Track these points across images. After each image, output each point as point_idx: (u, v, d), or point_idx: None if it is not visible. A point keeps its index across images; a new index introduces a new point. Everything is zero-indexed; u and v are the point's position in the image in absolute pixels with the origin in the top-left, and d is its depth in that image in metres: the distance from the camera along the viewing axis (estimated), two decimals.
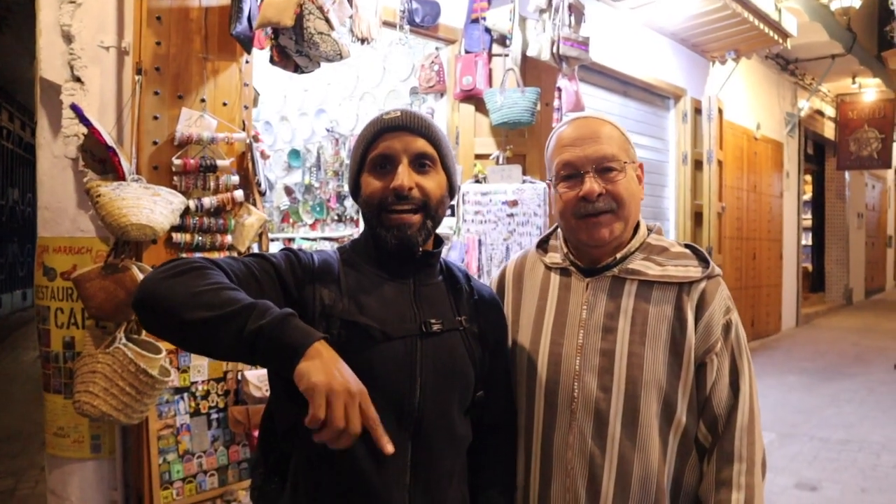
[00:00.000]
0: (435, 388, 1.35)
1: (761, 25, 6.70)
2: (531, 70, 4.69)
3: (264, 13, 2.98)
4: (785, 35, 7.23)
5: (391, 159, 1.36)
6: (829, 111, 13.31)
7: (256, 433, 1.49)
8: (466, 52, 4.62)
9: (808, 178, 13.90)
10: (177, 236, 3.01)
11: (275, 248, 4.75)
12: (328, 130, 5.69)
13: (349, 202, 5.55)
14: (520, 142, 4.68)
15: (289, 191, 6.00)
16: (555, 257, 1.59)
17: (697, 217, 7.31)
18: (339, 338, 1.29)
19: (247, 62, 3.32)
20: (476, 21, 4.58)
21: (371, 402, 1.09)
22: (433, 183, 1.38)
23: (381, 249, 1.40)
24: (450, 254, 4.35)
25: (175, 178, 3.02)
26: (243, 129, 3.28)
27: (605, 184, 1.46)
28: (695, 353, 1.44)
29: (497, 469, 1.52)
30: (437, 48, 4.80)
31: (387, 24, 4.05)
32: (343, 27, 3.41)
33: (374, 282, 1.38)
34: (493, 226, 4.43)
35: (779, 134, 10.74)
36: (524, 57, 4.64)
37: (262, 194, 3.39)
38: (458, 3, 4.63)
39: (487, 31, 4.59)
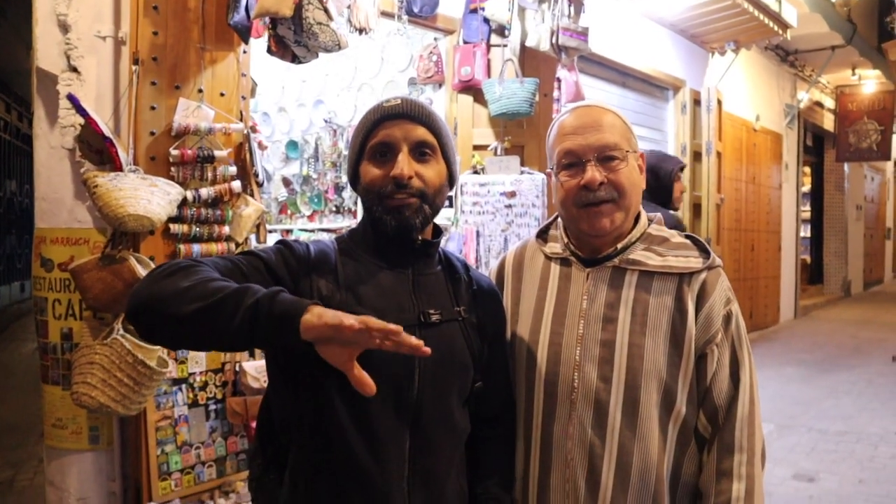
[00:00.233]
0: (434, 378, 1.35)
1: (761, 16, 6.68)
2: (530, 60, 4.67)
3: (262, 3, 2.96)
4: (785, 26, 7.20)
5: (391, 147, 1.35)
6: (829, 103, 13.29)
7: (254, 424, 1.49)
8: (465, 42, 4.60)
9: (808, 169, 13.90)
10: (174, 227, 2.99)
11: (273, 239, 4.74)
12: (326, 121, 5.68)
13: (347, 193, 5.54)
14: (518, 133, 4.67)
15: (287, 182, 5.99)
16: (555, 247, 1.59)
17: (696, 208, 7.30)
18: None
19: (244, 52, 3.30)
20: (475, 11, 4.56)
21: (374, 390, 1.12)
22: (433, 172, 1.37)
23: (380, 238, 1.39)
24: (448, 245, 4.34)
25: (172, 168, 3.01)
26: (241, 120, 3.26)
27: (607, 173, 1.45)
28: (695, 343, 1.43)
29: (496, 460, 1.52)
30: (435, 38, 4.78)
31: (385, 14, 4.03)
32: (341, 17, 3.39)
33: (372, 271, 1.37)
34: (491, 217, 4.42)
35: (778, 125, 10.73)
36: (523, 47, 4.62)
37: (260, 185, 3.38)
38: None
39: (486, 21, 4.56)
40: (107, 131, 2.78)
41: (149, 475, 2.95)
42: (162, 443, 3.01)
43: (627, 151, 1.48)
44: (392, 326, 1.08)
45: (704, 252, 1.50)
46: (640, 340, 1.43)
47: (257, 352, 3.33)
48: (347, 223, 5.40)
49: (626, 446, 1.42)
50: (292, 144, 6.00)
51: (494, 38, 4.63)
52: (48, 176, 3.05)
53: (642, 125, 6.75)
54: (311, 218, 5.85)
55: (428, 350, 1.11)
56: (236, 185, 3.15)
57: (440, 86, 4.82)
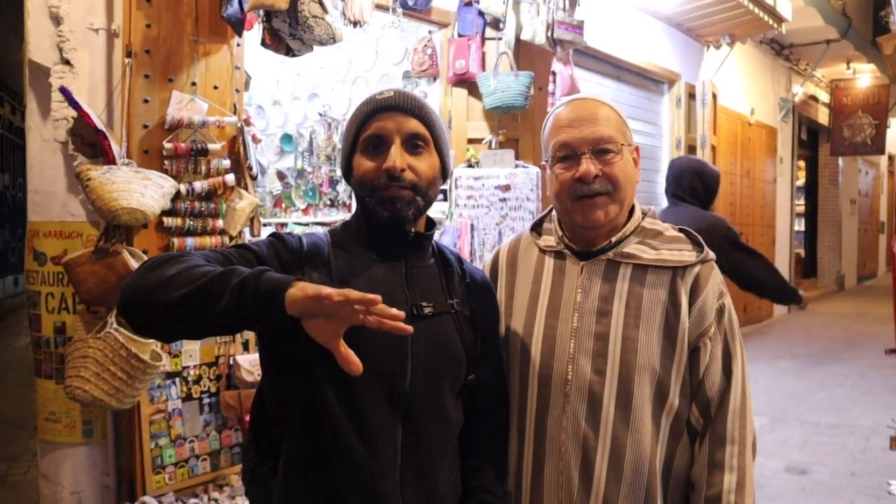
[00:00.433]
0: (426, 371, 1.35)
1: (756, 10, 6.68)
2: (525, 54, 4.66)
3: None
4: (780, 20, 7.21)
5: (384, 140, 1.35)
6: (824, 97, 13.31)
7: (248, 418, 1.49)
8: (460, 35, 4.59)
9: (802, 163, 13.92)
10: (168, 220, 2.99)
11: (267, 232, 4.74)
12: (321, 115, 5.66)
13: (342, 187, 5.53)
14: (513, 126, 4.66)
15: (281, 175, 5.97)
16: (549, 240, 1.59)
17: None
18: None
19: (238, 45, 3.29)
20: (469, 4, 4.55)
21: (352, 383, 1.12)
22: (426, 164, 1.37)
23: (373, 230, 1.39)
24: (442, 238, 4.34)
25: (166, 161, 3.00)
26: (235, 113, 3.25)
27: (602, 166, 1.45)
28: (688, 336, 1.44)
29: (489, 453, 1.52)
30: (430, 32, 4.76)
31: (379, 7, 4.01)
32: (335, 10, 3.38)
33: (364, 264, 1.37)
34: (485, 210, 4.42)
35: (773, 119, 10.74)
36: (518, 40, 4.61)
37: (254, 178, 3.37)
38: None
39: (481, 14, 4.55)
40: (100, 124, 2.77)
41: (143, 469, 2.96)
42: (156, 436, 3.01)
43: (622, 145, 1.48)
44: (371, 296, 1.07)
45: (698, 246, 1.51)
46: (634, 333, 1.43)
47: (251, 345, 3.33)
48: (342, 217, 5.40)
49: (619, 439, 1.42)
50: (287, 138, 5.98)
51: (489, 32, 4.62)
52: (41, 169, 3.03)
53: (637, 119, 6.76)
54: (305, 211, 5.84)
55: (409, 328, 1.12)
56: (230, 178, 3.14)
57: (435, 79, 4.81)
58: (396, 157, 1.33)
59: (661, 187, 7.24)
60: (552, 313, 1.51)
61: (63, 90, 2.81)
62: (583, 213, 1.47)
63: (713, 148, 7.50)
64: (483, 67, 4.55)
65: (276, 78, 6.03)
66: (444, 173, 1.43)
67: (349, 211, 5.40)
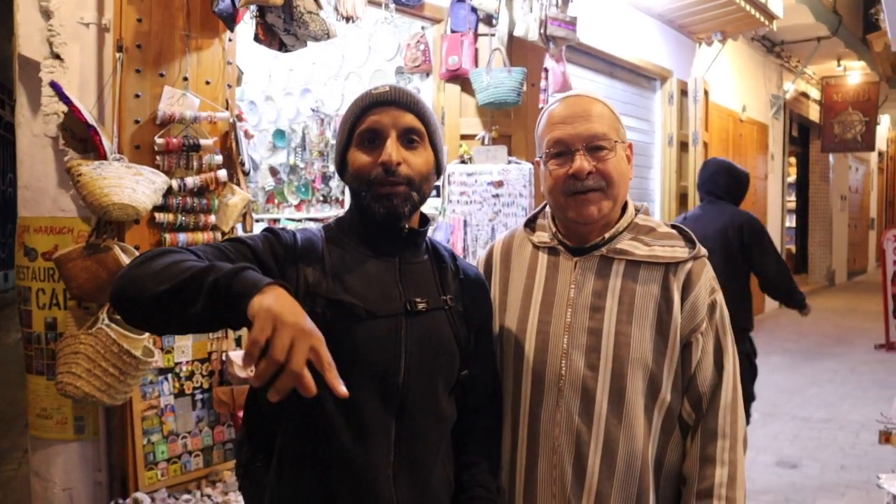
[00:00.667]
0: (420, 366, 1.35)
1: (747, 7, 6.70)
2: (518, 50, 4.66)
3: None
4: (771, 17, 7.23)
5: (379, 134, 1.35)
6: (815, 94, 13.37)
7: (241, 414, 1.49)
8: (452, 31, 4.58)
9: (793, 160, 13.98)
10: (159, 216, 2.97)
11: (259, 228, 4.73)
12: (313, 110, 5.64)
13: (334, 183, 5.52)
14: (506, 122, 4.66)
15: (274, 171, 5.96)
16: (543, 236, 1.59)
17: (683, 198, 7.34)
18: (324, 316, 1.28)
19: (230, 40, 3.28)
20: (462, 0, 4.54)
21: (346, 378, 1.05)
22: (420, 159, 1.37)
23: (368, 226, 1.39)
24: (435, 234, 4.34)
25: (157, 157, 2.98)
26: (227, 108, 3.24)
27: (595, 162, 1.46)
28: (680, 332, 1.45)
29: (482, 448, 1.52)
30: (422, 27, 4.76)
31: (372, 2, 4.00)
32: (328, 5, 3.37)
33: (358, 260, 1.37)
34: (478, 206, 4.42)
35: (764, 116, 10.78)
36: (511, 37, 4.61)
37: (246, 174, 3.36)
38: None
39: (473, 10, 4.55)
40: (90, 119, 2.75)
41: (135, 465, 2.95)
42: (148, 432, 3.00)
43: (616, 142, 1.49)
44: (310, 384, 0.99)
45: (690, 242, 1.52)
46: (627, 329, 1.44)
47: (244, 341, 3.33)
48: (335, 213, 5.38)
49: (612, 433, 1.43)
50: (279, 133, 5.96)
51: (482, 28, 4.62)
52: (31, 164, 3.02)
53: (630, 115, 6.77)
54: (298, 207, 5.83)
55: (344, 392, 1.02)
56: (222, 173, 3.13)
57: (427, 75, 4.80)
58: (392, 150, 1.33)
59: (653, 183, 7.30)
60: (546, 309, 1.51)
61: (53, 85, 2.80)
62: (576, 208, 1.48)
63: (705, 144, 7.53)
64: (476, 63, 4.55)
65: (268, 73, 6.01)
66: (438, 169, 1.44)
67: (342, 207, 5.39)
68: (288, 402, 1.31)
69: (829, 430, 5.29)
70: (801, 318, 4.19)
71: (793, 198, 14.40)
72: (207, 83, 3.19)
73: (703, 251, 1.51)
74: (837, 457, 4.72)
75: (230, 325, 1.13)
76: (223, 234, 3.18)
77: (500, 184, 4.40)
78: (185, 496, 3.00)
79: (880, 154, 19.31)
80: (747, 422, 3.65)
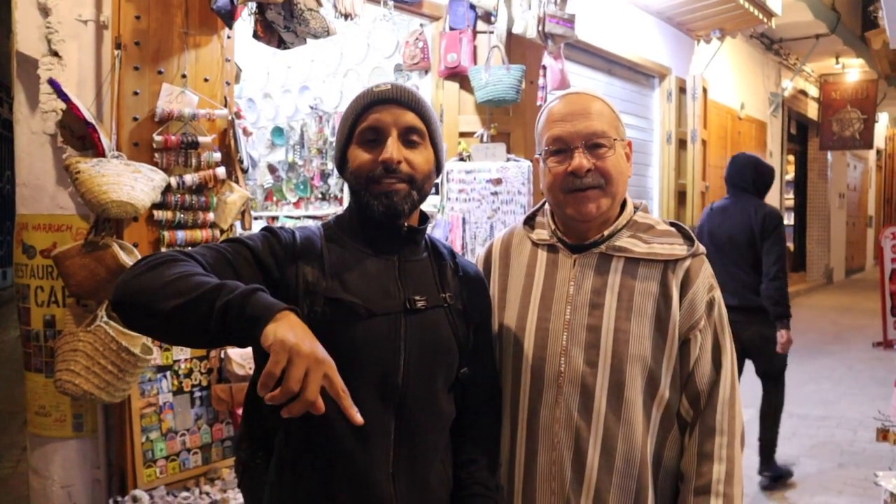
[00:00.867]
0: (419, 364, 1.35)
1: (746, 4, 6.70)
2: (516, 47, 4.66)
3: None
4: (770, 14, 7.23)
5: (380, 132, 1.35)
6: (813, 91, 13.38)
7: (240, 411, 1.49)
8: (451, 28, 4.57)
9: (791, 157, 14.00)
10: (158, 214, 2.97)
11: (258, 226, 4.72)
12: (312, 108, 5.64)
13: (333, 180, 5.51)
14: (504, 120, 4.66)
15: (272, 169, 5.95)
16: (542, 234, 1.60)
17: (681, 196, 7.34)
18: (323, 315, 1.28)
19: (228, 37, 3.27)
20: None
21: (345, 377, 1.07)
22: (421, 158, 1.37)
23: (367, 224, 1.39)
24: (434, 232, 4.34)
25: (156, 154, 2.98)
26: (225, 106, 3.24)
27: (594, 160, 1.47)
28: (679, 329, 1.46)
29: (481, 446, 1.53)
30: (421, 25, 4.75)
31: None
32: (327, 3, 3.37)
33: (358, 258, 1.37)
34: (477, 204, 4.42)
35: (762, 114, 10.79)
36: (509, 34, 4.60)
37: (245, 171, 3.36)
38: None
39: (472, 7, 4.54)
40: (89, 117, 2.75)
41: (133, 462, 2.95)
42: (147, 430, 3.00)
43: (615, 139, 1.50)
44: (317, 404, 1.02)
45: (689, 240, 1.52)
46: (626, 326, 1.45)
47: None
48: (333, 210, 5.38)
49: (611, 430, 1.44)
50: (278, 131, 5.96)
51: (481, 25, 4.61)
52: (30, 162, 3.01)
53: (628, 113, 6.76)
54: (296, 205, 5.82)
55: (359, 420, 1.06)
56: (221, 171, 3.13)
57: (426, 72, 4.79)
58: (393, 149, 1.33)
59: (651, 181, 7.30)
60: (545, 306, 1.52)
61: (52, 82, 2.79)
62: (575, 205, 1.48)
63: (703, 142, 7.52)
64: (475, 61, 4.55)
65: (266, 71, 6.00)
66: (438, 167, 1.44)
67: (340, 204, 5.39)
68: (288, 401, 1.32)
69: (826, 428, 5.30)
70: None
71: (791, 195, 14.42)
72: (206, 80, 3.18)
73: (702, 249, 1.52)
74: (835, 454, 4.73)
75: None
76: (222, 231, 3.18)
77: (498, 181, 4.40)
78: (184, 494, 3.01)
79: (878, 152, 19.33)
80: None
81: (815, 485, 4.22)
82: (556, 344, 1.48)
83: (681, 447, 1.50)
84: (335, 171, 5.36)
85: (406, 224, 1.39)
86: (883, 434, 3.23)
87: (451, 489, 1.46)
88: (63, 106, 2.76)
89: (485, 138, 4.59)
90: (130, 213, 2.72)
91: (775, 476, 4.21)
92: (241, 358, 3.18)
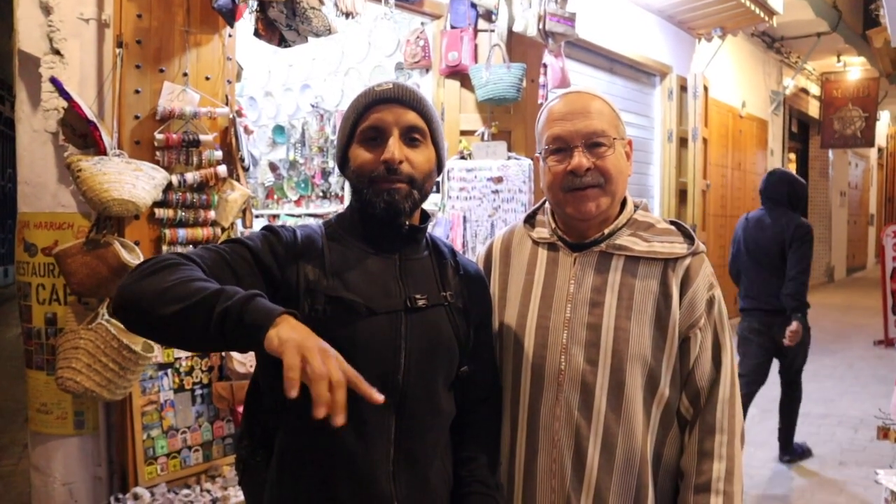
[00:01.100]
0: (420, 363, 1.35)
1: (747, 2, 6.69)
2: (517, 46, 4.66)
3: None
4: (771, 12, 7.22)
5: (382, 132, 1.35)
6: (814, 89, 13.36)
7: (241, 409, 1.50)
8: (452, 27, 4.58)
9: (793, 156, 13.98)
10: (159, 212, 2.98)
11: (259, 224, 4.73)
12: (313, 106, 5.64)
13: (334, 178, 5.52)
14: (505, 118, 4.66)
15: (273, 167, 5.96)
16: (542, 232, 1.60)
17: (682, 194, 7.34)
18: (324, 313, 1.29)
19: (230, 36, 3.28)
20: None
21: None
22: (422, 157, 1.37)
23: (368, 222, 1.39)
24: (435, 230, 4.34)
25: (157, 153, 2.99)
26: (226, 104, 3.24)
27: (594, 159, 1.47)
28: (679, 327, 1.46)
29: (481, 444, 1.53)
30: (422, 23, 4.75)
31: None
32: (329, 1, 3.37)
33: (359, 256, 1.38)
34: (478, 202, 4.42)
35: (764, 112, 10.77)
36: (510, 32, 4.60)
37: (246, 170, 3.36)
38: None
39: (473, 6, 4.54)
40: (90, 115, 2.75)
41: (135, 460, 2.96)
42: (148, 427, 3.01)
43: (614, 138, 1.50)
44: (334, 375, 1.02)
45: (689, 238, 1.52)
46: (626, 324, 1.45)
47: None
48: (334, 208, 5.38)
49: (611, 428, 1.44)
50: (279, 129, 5.96)
51: (482, 23, 4.61)
52: (31, 160, 3.02)
53: (629, 111, 6.76)
54: (297, 203, 5.83)
55: (380, 398, 1.07)
56: (222, 169, 3.13)
57: (427, 71, 4.80)
58: (395, 149, 1.33)
59: (652, 179, 7.31)
60: (545, 304, 1.52)
61: (53, 80, 2.80)
62: (574, 204, 1.48)
63: (704, 140, 7.52)
64: (475, 59, 4.55)
65: (268, 69, 6.01)
66: (440, 166, 1.44)
67: (342, 202, 5.39)
68: (288, 398, 1.32)
69: (827, 426, 5.30)
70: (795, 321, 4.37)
71: None
72: (207, 79, 3.19)
73: (702, 247, 1.52)
74: (836, 453, 4.74)
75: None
76: (223, 229, 3.18)
77: (499, 180, 4.40)
78: (185, 491, 3.01)
79: (880, 150, 19.31)
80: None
81: (816, 483, 4.23)
82: (557, 342, 1.48)
83: (681, 445, 1.51)
84: (336, 170, 5.37)
85: (407, 223, 1.39)
86: (884, 432, 3.24)
87: (452, 487, 1.46)
88: (65, 104, 2.76)
89: (486, 137, 4.59)
90: (132, 211, 2.72)
91: (796, 456, 4.58)
92: (241, 356, 3.19)
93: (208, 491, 3.04)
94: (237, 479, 1.46)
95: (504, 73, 4.39)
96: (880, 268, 8.23)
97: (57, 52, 2.93)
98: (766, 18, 7.22)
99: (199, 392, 3.19)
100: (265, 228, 1.38)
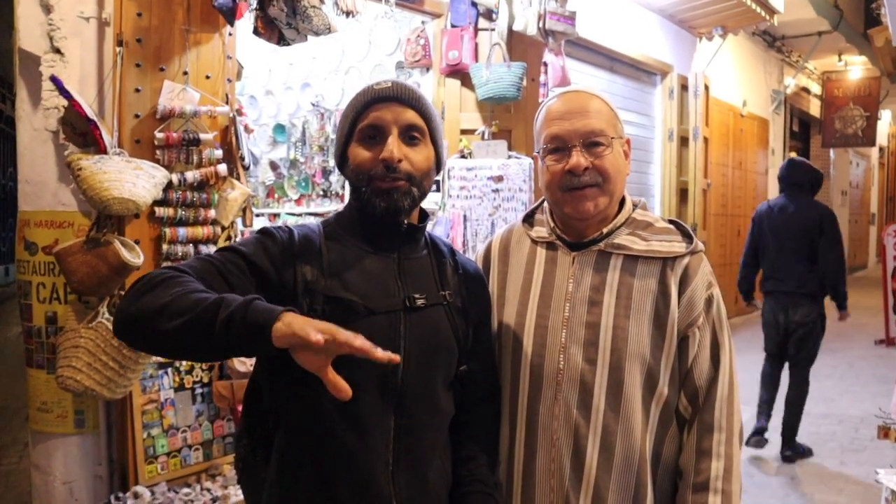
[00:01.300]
0: (419, 362, 1.35)
1: (748, 1, 6.69)
2: (517, 45, 4.65)
3: None
4: (772, 11, 7.22)
5: (381, 130, 1.35)
6: (815, 89, 13.35)
7: (241, 408, 1.50)
8: (452, 26, 4.58)
9: (794, 155, 13.97)
10: (159, 210, 2.98)
11: (260, 223, 4.73)
12: (313, 105, 5.64)
13: (335, 177, 5.52)
14: (505, 117, 4.66)
15: (274, 166, 5.96)
16: (541, 231, 1.60)
17: (683, 193, 7.34)
18: (323, 313, 1.29)
19: (230, 35, 3.28)
20: None
21: (345, 374, 1.11)
22: (421, 156, 1.37)
23: (367, 222, 1.39)
24: (435, 229, 4.34)
25: (157, 151, 2.99)
26: (227, 103, 3.24)
27: (592, 158, 1.47)
28: (677, 326, 1.46)
29: (480, 443, 1.53)
30: (422, 22, 4.75)
31: None
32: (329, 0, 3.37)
33: (357, 256, 1.37)
34: (478, 201, 4.42)
35: (765, 111, 10.77)
36: (510, 31, 4.60)
37: (246, 169, 3.36)
38: None
39: (474, 4, 4.54)
40: (91, 113, 2.75)
41: (135, 459, 2.96)
42: (148, 426, 3.01)
43: (613, 138, 1.50)
44: (357, 342, 1.06)
45: (687, 237, 1.52)
46: (625, 323, 1.45)
47: None
48: (335, 207, 5.38)
49: (610, 427, 1.44)
50: (279, 128, 5.96)
51: (482, 22, 4.61)
52: (32, 158, 3.02)
53: (630, 110, 6.76)
54: (298, 202, 5.83)
55: (397, 357, 1.11)
56: (222, 168, 3.14)
57: (427, 70, 4.80)
58: (394, 147, 1.33)
59: (653, 178, 7.31)
60: (544, 303, 1.52)
61: (54, 79, 2.80)
62: (572, 204, 1.48)
63: (705, 140, 7.52)
64: (476, 58, 4.55)
65: (268, 68, 6.01)
66: (439, 165, 1.44)
67: (342, 201, 5.39)
68: (288, 397, 1.32)
69: (828, 425, 5.30)
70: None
71: None
72: (207, 78, 3.19)
73: (701, 246, 1.52)
74: (836, 452, 4.74)
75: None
76: (223, 228, 3.19)
77: (499, 178, 4.40)
78: (185, 490, 3.02)
79: (881, 149, 19.29)
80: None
81: (817, 482, 4.23)
82: (555, 341, 1.48)
83: (679, 444, 1.51)
84: (336, 169, 5.37)
85: (406, 222, 1.39)
86: (884, 431, 3.23)
87: (451, 486, 1.46)
88: (65, 103, 2.76)
89: (486, 135, 4.59)
90: (132, 209, 2.72)
91: (796, 454, 4.62)
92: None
93: (208, 490, 3.05)
94: (237, 478, 1.46)
95: (504, 72, 4.39)
96: (881, 267, 8.23)
97: (57, 51, 2.93)
98: (767, 17, 7.21)
99: (199, 391, 3.19)
100: (260, 231, 1.37)
